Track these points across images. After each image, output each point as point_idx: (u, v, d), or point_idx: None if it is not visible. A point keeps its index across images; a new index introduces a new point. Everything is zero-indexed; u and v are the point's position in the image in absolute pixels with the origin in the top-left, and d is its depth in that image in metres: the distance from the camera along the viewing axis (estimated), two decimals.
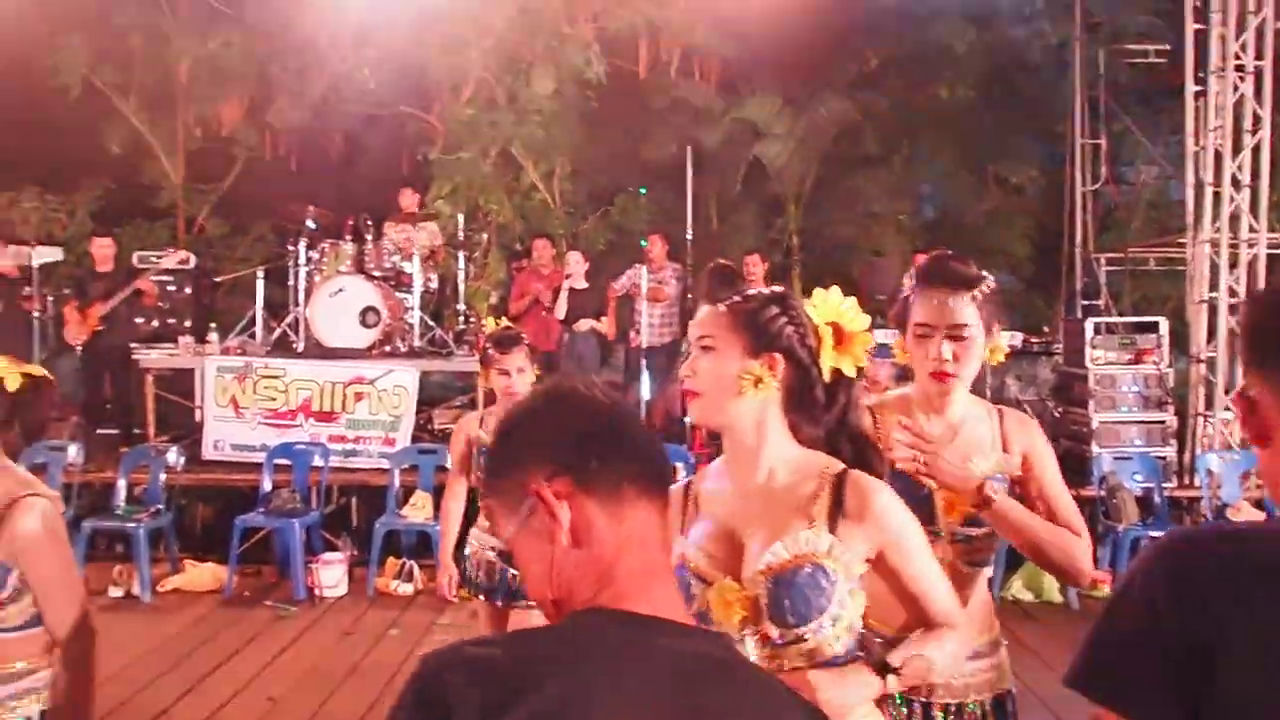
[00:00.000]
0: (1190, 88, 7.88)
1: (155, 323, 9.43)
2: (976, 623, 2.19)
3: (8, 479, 2.36)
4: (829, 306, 1.89)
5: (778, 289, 1.86)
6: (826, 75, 11.11)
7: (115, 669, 4.94)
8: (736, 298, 1.81)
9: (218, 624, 6.06)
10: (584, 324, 8.52)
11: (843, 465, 1.81)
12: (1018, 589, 6.87)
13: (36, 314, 8.71)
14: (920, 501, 2.13)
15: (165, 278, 9.32)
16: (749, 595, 1.72)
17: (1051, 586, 6.83)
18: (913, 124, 11.02)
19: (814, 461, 1.80)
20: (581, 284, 8.57)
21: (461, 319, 9.13)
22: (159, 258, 9.37)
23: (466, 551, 3.87)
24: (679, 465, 7.10)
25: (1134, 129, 9.65)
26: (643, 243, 9.70)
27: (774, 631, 1.70)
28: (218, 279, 10.23)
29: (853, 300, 1.93)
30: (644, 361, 8.73)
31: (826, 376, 1.85)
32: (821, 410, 1.85)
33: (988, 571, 2.31)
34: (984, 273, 2.25)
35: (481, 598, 3.82)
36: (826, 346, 1.85)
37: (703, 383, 1.79)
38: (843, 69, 11.25)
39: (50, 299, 9.13)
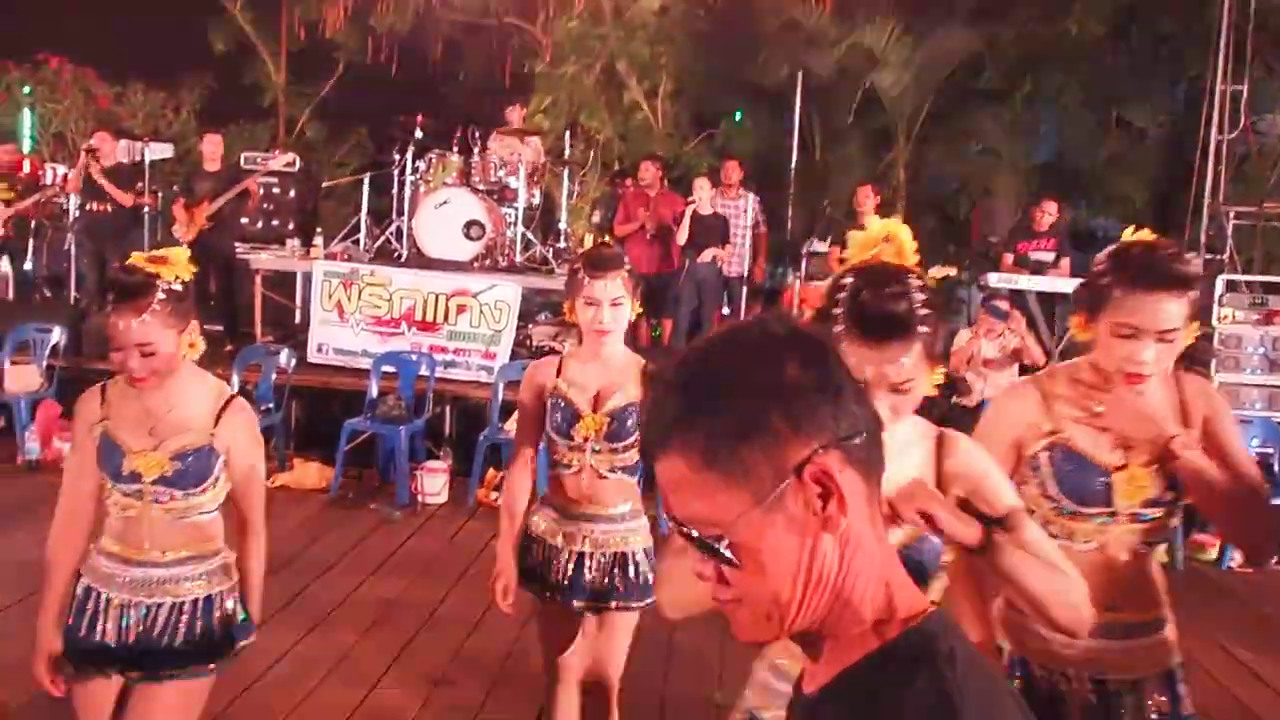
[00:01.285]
0: None
1: (259, 224, 9.51)
2: (1146, 598, 2.18)
3: (206, 377, 2.52)
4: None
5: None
6: (948, 3, 10.68)
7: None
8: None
9: (326, 523, 6.16)
10: (708, 253, 8.36)
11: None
12: None
13: (146, 210, 8.81)
14: (1098, 487, 2.10)
15: (270, 179, 9.35)
16: None
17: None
18: (1037, 59, 10.54)
19: None
20: (707, 209, 8.40)
21: (562, 237, 9.06)
22: (265, 159, 9.39)
23: (532, 535, 3.01)
24: None
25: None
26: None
27: None
28: (325, 184, 10.25)
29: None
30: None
31: None
32: None
33: (1161, 549, 2.25)
34: (1194, 267, 2.12)
35: (549, 597, 2.97)
36: None
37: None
38: None
39: (159, 195, 9.23)
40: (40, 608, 2.48)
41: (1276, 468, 6.94)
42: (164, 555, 2.43)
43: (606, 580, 2.93)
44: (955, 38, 10.28)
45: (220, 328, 8.47)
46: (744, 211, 8.83)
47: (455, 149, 8.69)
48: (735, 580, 0.96)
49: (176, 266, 2.34)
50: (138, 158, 9.03)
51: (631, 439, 2.89)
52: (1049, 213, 8.35)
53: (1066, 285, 8.22)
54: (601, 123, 10.43)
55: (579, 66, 10.40)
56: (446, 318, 7.79)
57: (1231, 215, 8.98)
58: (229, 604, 2.50)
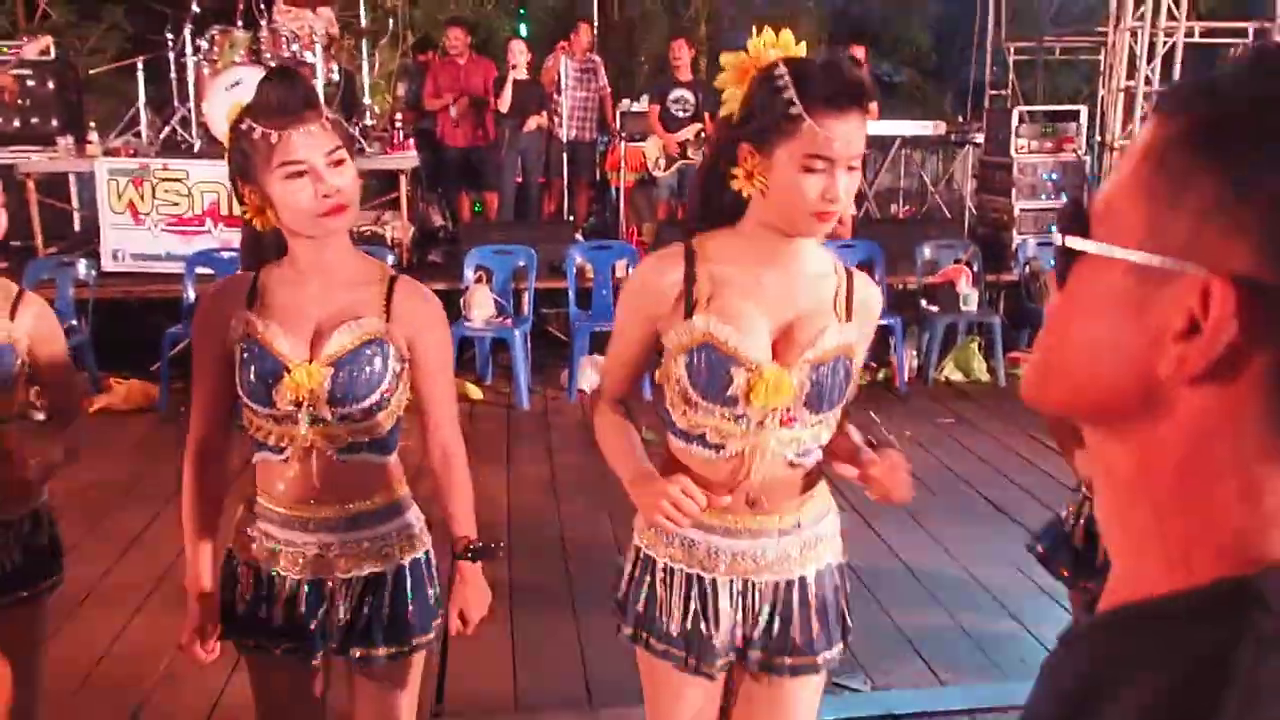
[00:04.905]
0: None
1: (16, 122, 8.48)
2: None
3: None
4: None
5: None
6: None
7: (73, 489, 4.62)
8: None
9: (164, 443, 5.71)
10: (532, 121, 8.08)
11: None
12: (950, 370, 7.20)
13: None
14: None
15: (24, 71, 8.31)
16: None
17: (981, 367, 7.19)
18: None
19: None
20: (523, 75, 8.07)
21: (368, 114, 8.53)
22: (15, 47, 8.32)
23: (239, 560, 1.99)
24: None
25: None
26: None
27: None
28: (92, 71, 9.19)
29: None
30: (564, 155, 8.47)
31: None
32: None
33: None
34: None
35: None
36: None
37: None
38: None
39: None
40: None
41: None
42: None
43: (363, 619, 1.92)
44: None
45: None
46: (583, 73, 8.56)
47: (239, 23, 7.96)
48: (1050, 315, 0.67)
49: None
50: None
51: (376, 397, 1.82)
52: (859, 59, 8.54)
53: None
54: None
55: None
56: None
57: (1012, 51, 9.47)
58: None
